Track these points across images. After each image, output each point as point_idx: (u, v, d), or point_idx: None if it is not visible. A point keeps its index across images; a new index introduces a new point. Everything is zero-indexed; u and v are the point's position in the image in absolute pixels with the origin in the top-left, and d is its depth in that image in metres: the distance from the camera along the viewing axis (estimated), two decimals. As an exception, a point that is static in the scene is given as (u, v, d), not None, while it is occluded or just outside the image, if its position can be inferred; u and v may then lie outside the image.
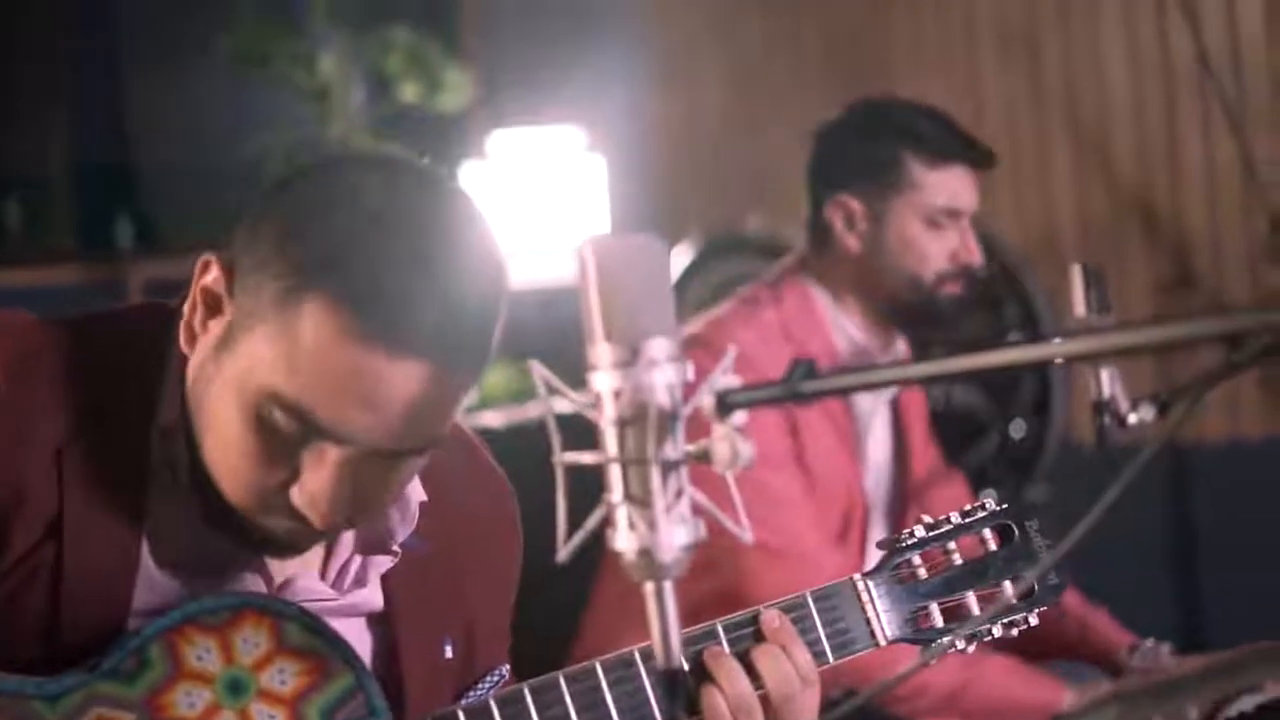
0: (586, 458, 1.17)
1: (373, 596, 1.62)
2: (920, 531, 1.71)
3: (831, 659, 1.64)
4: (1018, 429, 4.14)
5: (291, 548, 1.52)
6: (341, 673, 1.49)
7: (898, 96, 2.79)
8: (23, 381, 1.49)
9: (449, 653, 1.65)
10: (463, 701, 1.65)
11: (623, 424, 1.16)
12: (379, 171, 1.45)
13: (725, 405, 1.16)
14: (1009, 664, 2.48)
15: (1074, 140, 4.79)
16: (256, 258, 1.43)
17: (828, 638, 1.63)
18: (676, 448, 1.15)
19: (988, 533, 1.74)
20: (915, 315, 2.60)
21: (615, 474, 1.16)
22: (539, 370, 1.20)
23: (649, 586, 1.17)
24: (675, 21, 5.43)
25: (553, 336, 4.70)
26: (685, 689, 1.48)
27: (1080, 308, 2.24)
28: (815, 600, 1.64)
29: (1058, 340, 1.21)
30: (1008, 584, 1.72)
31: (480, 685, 1.69)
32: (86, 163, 5.81)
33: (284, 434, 1.42)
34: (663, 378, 1.16)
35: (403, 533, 1.59)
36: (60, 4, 5.62)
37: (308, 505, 1.44)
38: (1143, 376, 4.25)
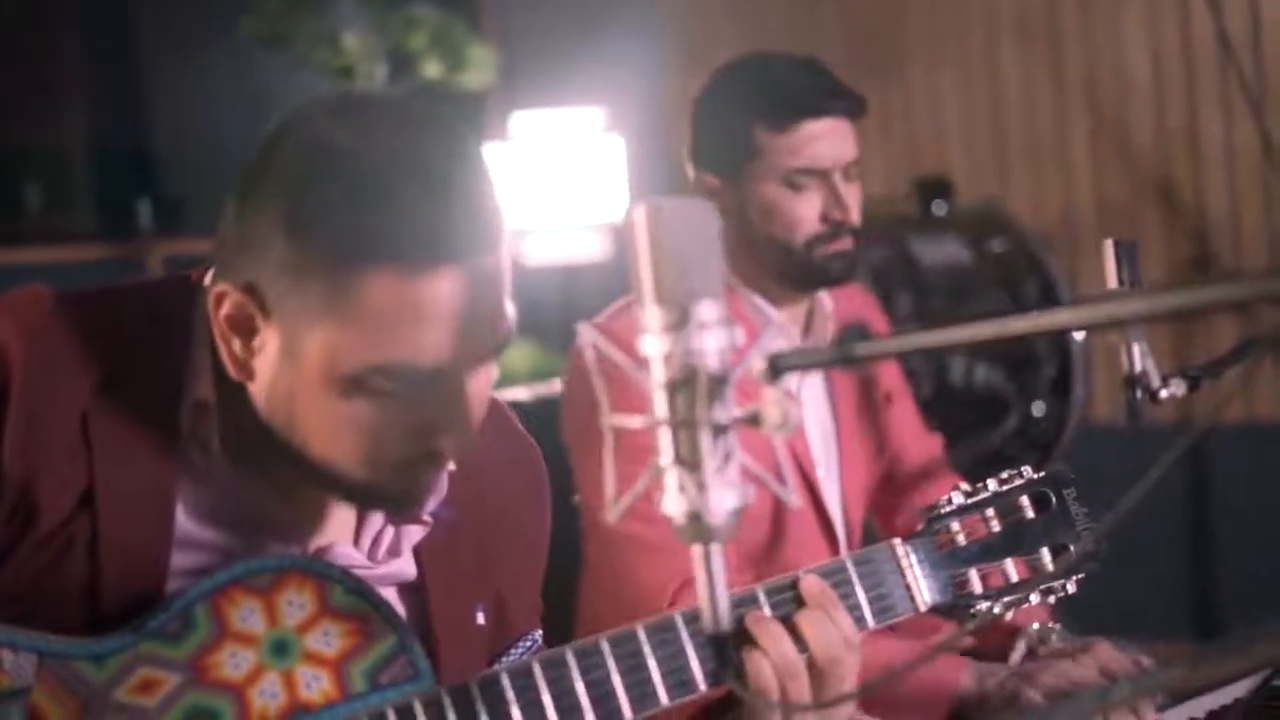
0: (635, 421, 1.18)
1: (406, 566, 1.63)
2: (959, 498, 1.71)
3: (872, 624, 1.63)
4: (1038, 409, 4.14)
5: (413, 501, 1.54)
6: (385, 635, 1.50)
7: (761, 54, 2.63)
8: (43, 352, 1.50)
9: (481, 619, 1.66)
10: (497, 666, 1.67)
11: (672, 387, 1.16)
12: (339, 119, 1.44)
13: (776, 369, 1.16)
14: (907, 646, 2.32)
15: (1093, 122, 4.79)
16: (274, 265, 1.42)
17: (868, 602, 1.63)
18: (726, 411, 1.16)
19: (1025, 500, 1.74)
20: (801, 278, 2.47)
21: (665, 437, 1.17)
22: (588, 333, 1.20)
23: (697, 549, 1.18)
24: (694, 3, 5.43)
25: (572, 313, 4.72)
26: (731, 652, 1.49)
27: (1112, 282, 2.23)
28: (855, 565, 1.64)
29: (1094, 306, 1.20)
30: (1045, 551, 1.73)
31: (513, 650, 1.70)
32: (106, 144, 5.82)
33: (399, 395, 1.43)
34: (713, 341, 1.16)
35: (432, 502, 1.60)
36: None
37: (454, 445, 1.46)
38: (1160, 356, 4.25)
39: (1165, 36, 4.65)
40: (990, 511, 1.72)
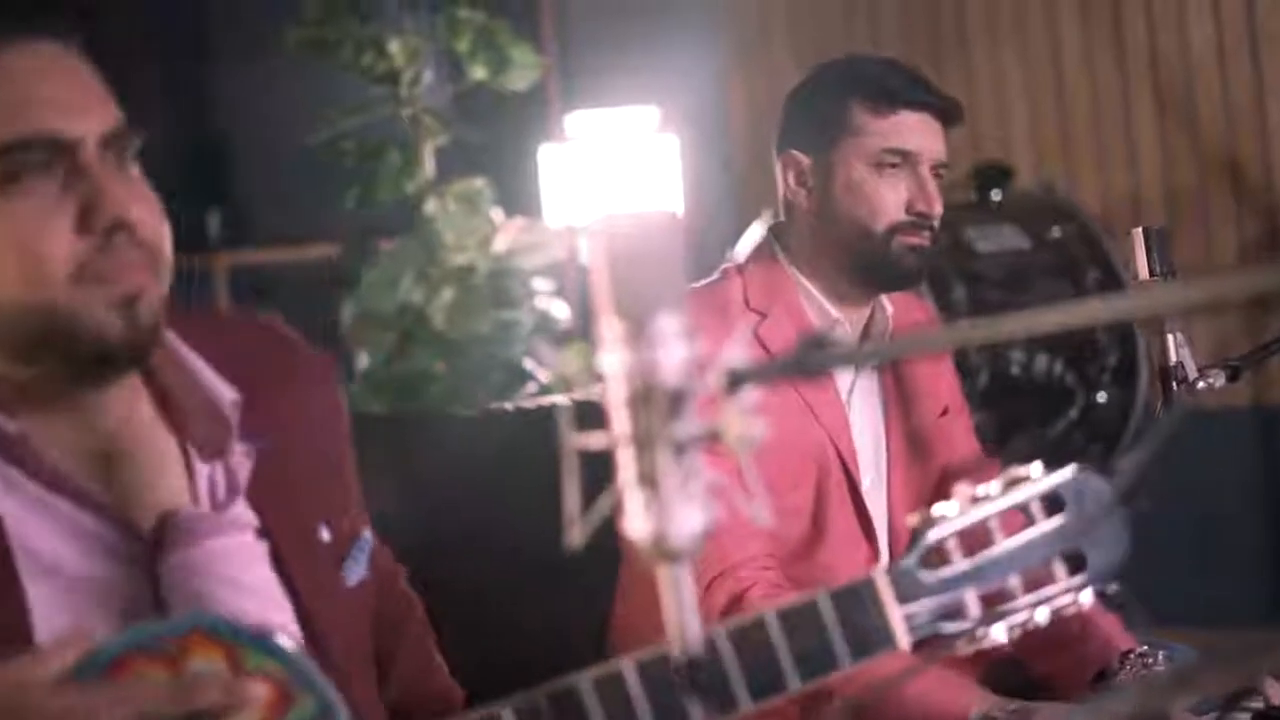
0: (596, 440, 1.15)
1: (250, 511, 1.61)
2: (954, 508, 1.45)
3: (846, 667, 1.42)
4: (1101, 397, 4.07)
5: (138, 350, 1.51)
6: (303, 698, 1.37)
7: (863, 53, 2.68)
8: None
9: (325, 535, 1.65)
10: (345, 573, 1.66)
11: (632, 403, 1.13)
12: None
13: (734, 381, 1.12)
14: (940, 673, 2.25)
15: (1158, 102, 4.71)
16: None
17: (844, 638, 1.41)
18: (687, 427, 1.12)
19: (1035, 506, 1.47)
20: (874, 270, 2.45)
21: (625, 456, 1.13)
22: (543, 353, 1.18)
23: (663, 572, 1.15)
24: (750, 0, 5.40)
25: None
26: (706, 679, 1.37)
27: (1143, 271, 2.19)
28: (831, 599, 1.42)
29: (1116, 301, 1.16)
30: (1057, 563, 1.47)
31: (350, 555, 1.68)
32: (179, 157, 5.86)
33: (39, 188, 1.46)
34: (672, 355, 1.13)
35: (230, 430, 1.57)
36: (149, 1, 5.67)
37: (130, 229, 1.49)
38: (1231, 337, 4.16)
39: (1229, 12, 4.56)
40: (993, 522, 1.45)
